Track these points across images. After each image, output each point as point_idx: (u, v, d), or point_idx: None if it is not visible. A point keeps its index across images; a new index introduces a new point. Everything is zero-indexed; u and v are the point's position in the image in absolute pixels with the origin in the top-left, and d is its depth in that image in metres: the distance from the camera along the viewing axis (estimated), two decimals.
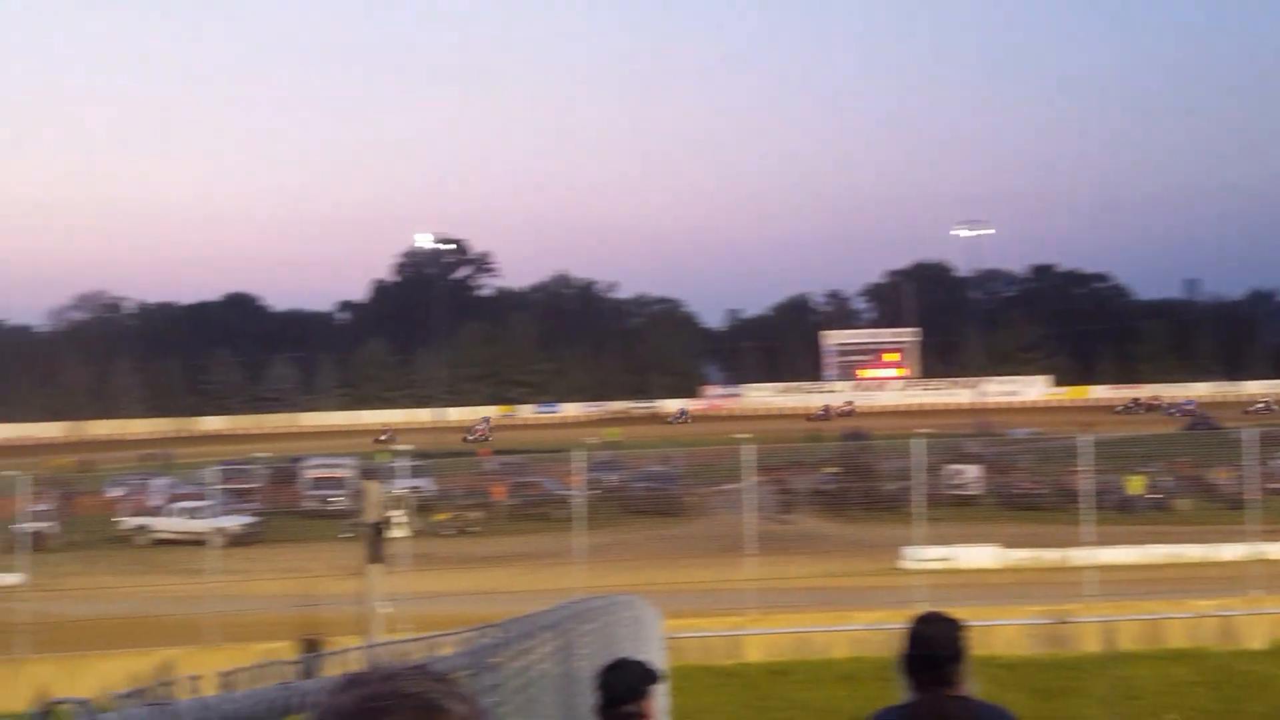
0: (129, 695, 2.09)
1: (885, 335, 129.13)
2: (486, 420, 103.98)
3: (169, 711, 2.10)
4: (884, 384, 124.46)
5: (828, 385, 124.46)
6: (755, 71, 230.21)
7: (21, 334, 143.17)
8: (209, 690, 2.36)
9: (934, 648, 4.53)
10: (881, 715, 4.64)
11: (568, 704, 7.54)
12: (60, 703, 1.93)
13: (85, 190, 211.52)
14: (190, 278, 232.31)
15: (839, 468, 49.16)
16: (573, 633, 8.44)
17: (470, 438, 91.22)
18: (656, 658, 12.79)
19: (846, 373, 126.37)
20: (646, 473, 50.07)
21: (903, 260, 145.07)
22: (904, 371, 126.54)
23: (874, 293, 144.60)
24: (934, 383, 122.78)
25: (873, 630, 24.44)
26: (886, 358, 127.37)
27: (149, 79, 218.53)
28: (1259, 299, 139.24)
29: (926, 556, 29.54)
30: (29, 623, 21.46)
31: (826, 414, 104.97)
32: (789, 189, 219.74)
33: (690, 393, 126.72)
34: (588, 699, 7.72)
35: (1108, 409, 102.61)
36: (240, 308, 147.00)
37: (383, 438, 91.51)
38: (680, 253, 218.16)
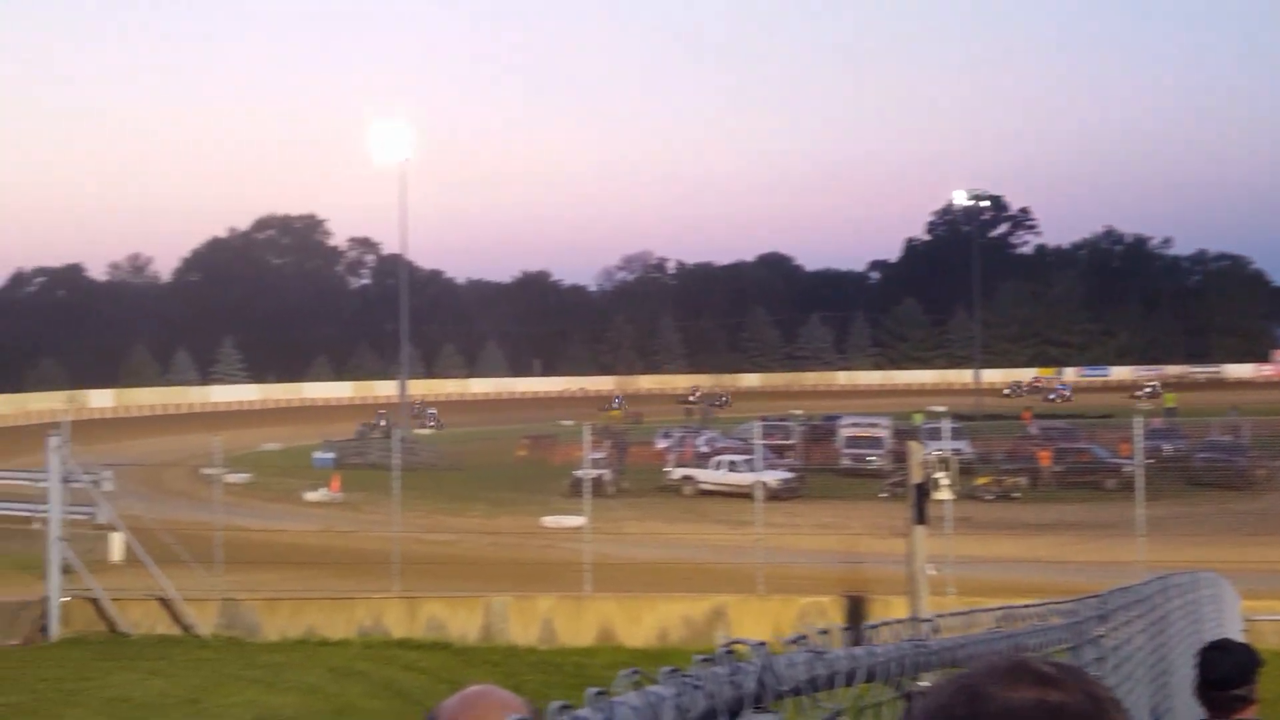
0: (793, 640, 2.10)
1: None
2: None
3: (825, 659, 2.13)
4: None
5: None
6: None
7: (576, 294, 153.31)
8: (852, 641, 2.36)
9: None
10: None
11: (1159, 682, 7.14)
12: (738, 643, 1.87)
13: (632, 157, 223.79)
14: (727, 239, 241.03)
15: None
16: (1161, 609, 7.98)
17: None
18: (1239, 640, 11.80)
19: None
20: (1210, 442, 46.83)
21: None
22: None
23: None
24: None
25: None
26: None
27: (696, 57, 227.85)
28: None
29: None
30: (592, 563, 22.73)
31: None
32: None
33: (1259, 356, 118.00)
34: (1181, 678, 7.16)
35: None
36: (774, 268, 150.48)
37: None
38: (1247, 206, 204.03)
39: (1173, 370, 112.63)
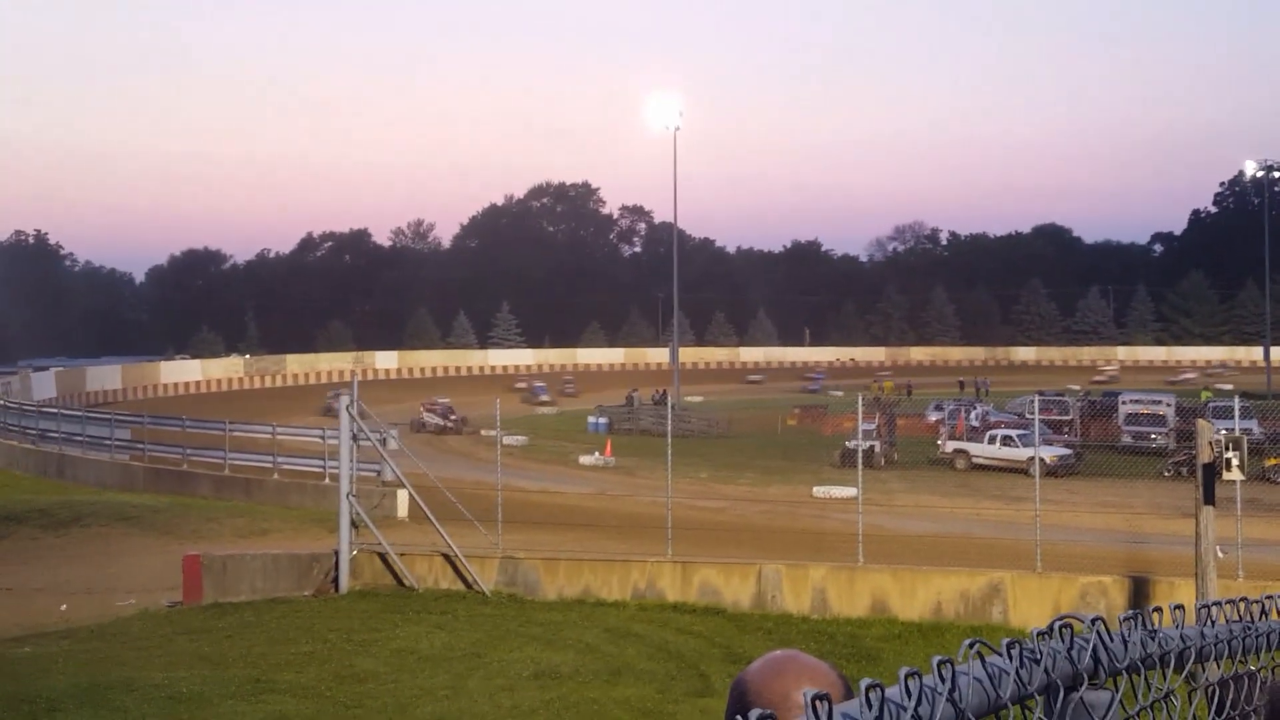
0: (1126, 618, 2.11)
1: None
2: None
3: (1158, 637, 2.15)
4: None
5: None
6: None
7: (847, 264, 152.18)
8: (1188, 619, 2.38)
9: None
10: None
11: None
12: (1072, 617, 1.88)
13: (904, 126, 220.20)
14: (1001, 210, 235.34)
15: None
16: None
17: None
18: None
19: None
20: None
21: None
22: None
23: None
24: None
25: None
26: None
27: (972, 25, 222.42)
28: None
29: None
30: (864, 534, 22.59)
31: None
32: None
33: None
34: None
35: None
36: (1051, 239, 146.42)
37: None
38: None
39: None
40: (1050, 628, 1.88)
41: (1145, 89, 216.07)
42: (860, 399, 29.52)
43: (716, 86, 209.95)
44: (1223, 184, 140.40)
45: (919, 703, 1.46)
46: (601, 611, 21.62)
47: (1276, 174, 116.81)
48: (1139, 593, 20.32)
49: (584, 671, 17.26)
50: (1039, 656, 1.78)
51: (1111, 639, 1.98)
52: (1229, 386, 70.85)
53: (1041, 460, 29.29)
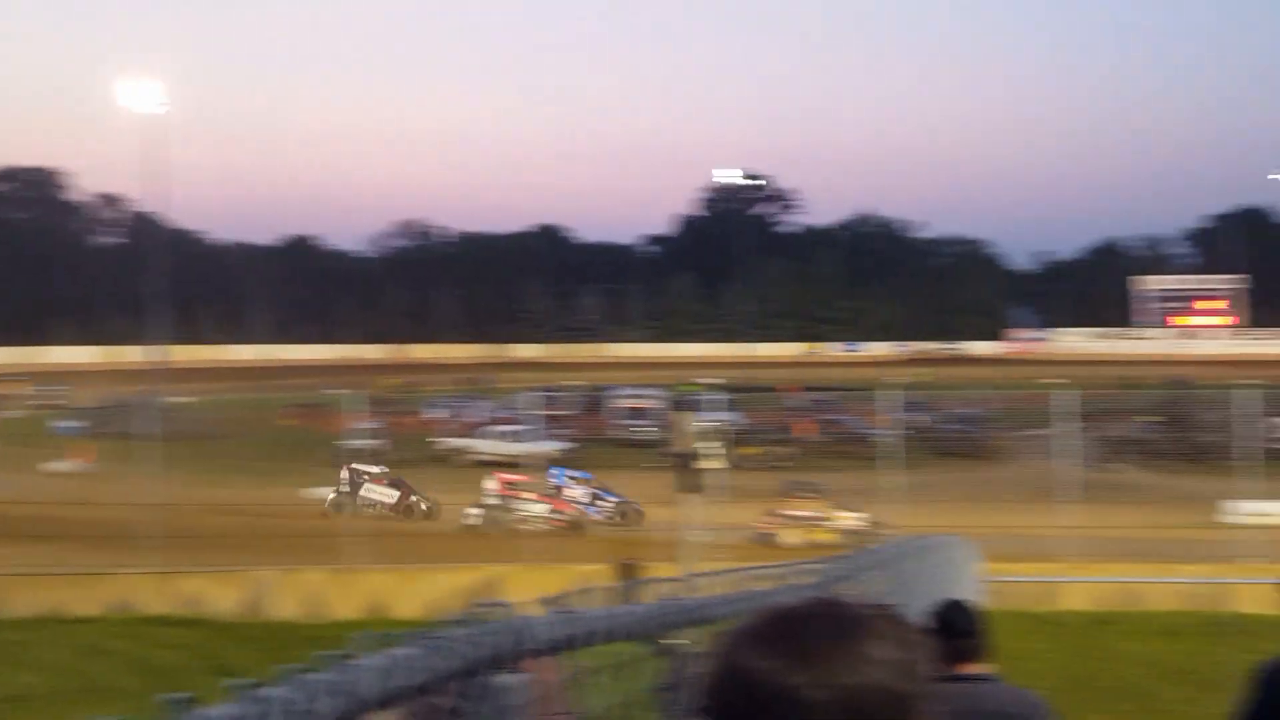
0: (548, 601, 2.20)
1: (1213, 281, 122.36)
2: None
3: (580, 619, 2.20)
4: (1204, 332, 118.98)
5: (1144, 332, 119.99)
6: (1070, 7, 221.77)
7: (348, 259, 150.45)
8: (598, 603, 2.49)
9: None
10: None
11: None
12: (484, 605, 1.94)
13: (402, 119, 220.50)
14: (502, 208, 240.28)
15: (1160, 416, 47.15)
16: (900, 569, 8.47)
17: None
18: (976, 598, 12.59)
19: (1164, 319, 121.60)
20: (954, 414, 48.80)
21: (1216, 205, 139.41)
22: (1229, 320, 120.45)
23: (1197, 237, 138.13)
24: (1264, 332, 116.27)
25: (1196, 584, 24.04)
26: (1210, 305, 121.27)
27: (468, 21, 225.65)
28: None
29: (1248, 511, 28.89)
30: (365, 534, 22.49)
31: None
32: (1100, 129, 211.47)
33: (996, 335, 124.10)
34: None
35: None
36: (549, 239, 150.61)
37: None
38: (987, 192, 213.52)
39: (921, 346, 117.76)
40: (465, 614, 1.88)
41: (637, 95, 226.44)
42: (354, 397, 29.30)
43: (207, 73, 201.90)
44: (706, 190, 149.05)
45: (314, 698, 1.40)
46: (73, 629, 20.35)
47: (752, 182, 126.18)
48: (629, 579, 21.23)
49: (55, 693, 16.21)
50: (452, 643, 1.77)
51: (529, 623, 2.01)
52: (716, 380, 75.32)
53: (541, 454, 30.04)
